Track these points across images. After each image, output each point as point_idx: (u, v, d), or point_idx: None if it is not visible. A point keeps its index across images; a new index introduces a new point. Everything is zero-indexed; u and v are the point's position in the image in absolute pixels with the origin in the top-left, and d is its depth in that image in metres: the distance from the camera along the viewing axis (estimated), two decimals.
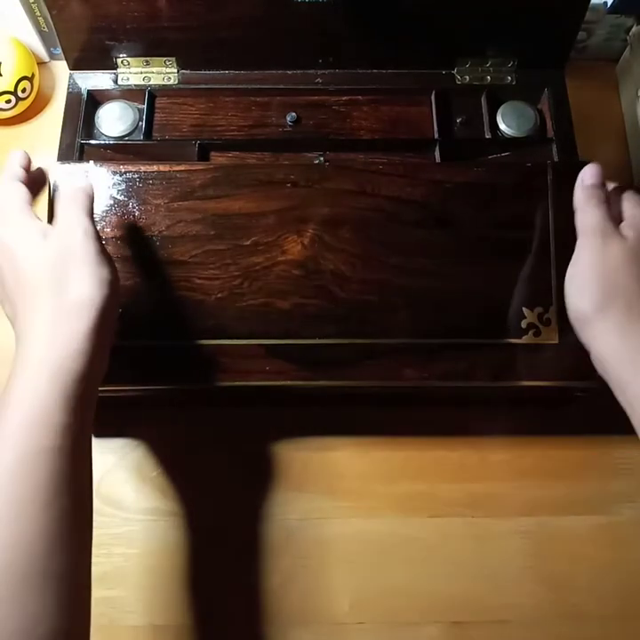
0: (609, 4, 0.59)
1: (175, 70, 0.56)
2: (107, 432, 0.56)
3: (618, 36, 0.67)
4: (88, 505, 0.38)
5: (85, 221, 0.41)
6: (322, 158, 0.51)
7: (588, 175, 0.46)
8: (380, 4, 0.50)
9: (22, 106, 0.66)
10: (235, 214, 0.50)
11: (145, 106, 0.55)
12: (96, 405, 0.40)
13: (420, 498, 0.54)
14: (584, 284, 0.44)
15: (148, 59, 0.55)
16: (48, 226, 0.41)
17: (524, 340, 0.49)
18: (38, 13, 0.64)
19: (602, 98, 0.68)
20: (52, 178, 0.50)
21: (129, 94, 0.56)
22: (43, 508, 0.34)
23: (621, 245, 0.44)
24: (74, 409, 0.36)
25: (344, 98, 0.56)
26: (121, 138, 0.54)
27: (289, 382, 0.48)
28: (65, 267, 0.39)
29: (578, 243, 0.45)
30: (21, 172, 0.44)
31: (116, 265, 0.49)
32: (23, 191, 0.42)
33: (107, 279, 0.40)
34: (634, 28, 0.65)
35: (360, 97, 0.56)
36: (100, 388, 0.48)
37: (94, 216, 0.49)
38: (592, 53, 0.68)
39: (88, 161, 0.51)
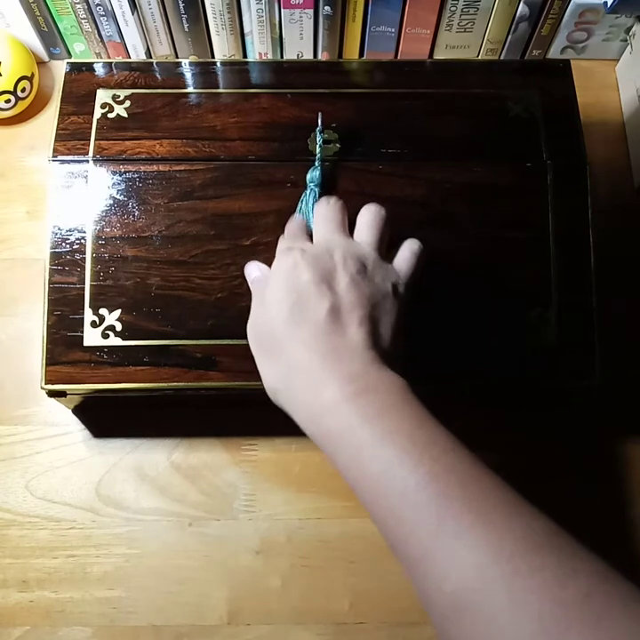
0: (609, 4, 0.59)
1: None
2: (107, 432, 0.56)
3: (618, 36, 0.67)
4: None
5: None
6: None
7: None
8: None
9: (22, 105, 0.66)
10: (235, 214, 0.50)
11: None
12: None
13: None
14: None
15: None
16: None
17: (524, 340, 0.49)
18: (38, 13, 0.64)
19: (602, 98, 0.68)
20: (50, 177, 0.50)
21: None
22: None
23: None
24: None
25: None
26: None
27: None
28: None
29: None
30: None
31: (116, 265, 0.49)
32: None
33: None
34: (634, 28, 0.65)
35: None
36: (99, 388, 0.49)
37: (97, 217, 0.50)
38: (592, 53, 0.69)
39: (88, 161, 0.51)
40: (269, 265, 0.43)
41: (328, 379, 0.36)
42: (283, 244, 0.44)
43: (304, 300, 0.38)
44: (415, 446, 0.33)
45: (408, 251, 0.43)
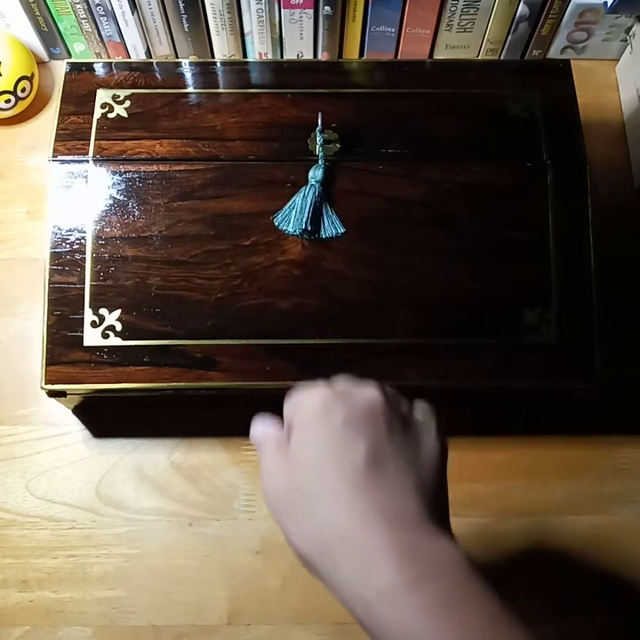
0: (609, 4, 0.59)
1: None
2: (107, 432, 0.56)
3: (618, 36, 0.67)
4: None
5: None
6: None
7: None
8: None
9: (22, 105, 0.66)
10: (235, 214, 0.50)
11: None
12: None
13: None
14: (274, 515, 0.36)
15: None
16: None
17: (524, 340, 0.49)
18: (38, 13, 0.64)
19: (602, 98, 0.68)
20: (50, 177, 0.50)
21: None
22: None
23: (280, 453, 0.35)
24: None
25: None
26: None
27: (289, 382, 0.48)
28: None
29: None
30: None
31: (116, 265, 0.49)
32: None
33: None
34: (634, 28, 0.65)
35: None
36: (99, 388, 0.49)
37: (97, 217, 0.50)
38: (592, 53, 0.69)
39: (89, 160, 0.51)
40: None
41: (379, 554, 0.30)
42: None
43: (340, 446, 0.33)
44: None
45: (424, 405, 0.38)
